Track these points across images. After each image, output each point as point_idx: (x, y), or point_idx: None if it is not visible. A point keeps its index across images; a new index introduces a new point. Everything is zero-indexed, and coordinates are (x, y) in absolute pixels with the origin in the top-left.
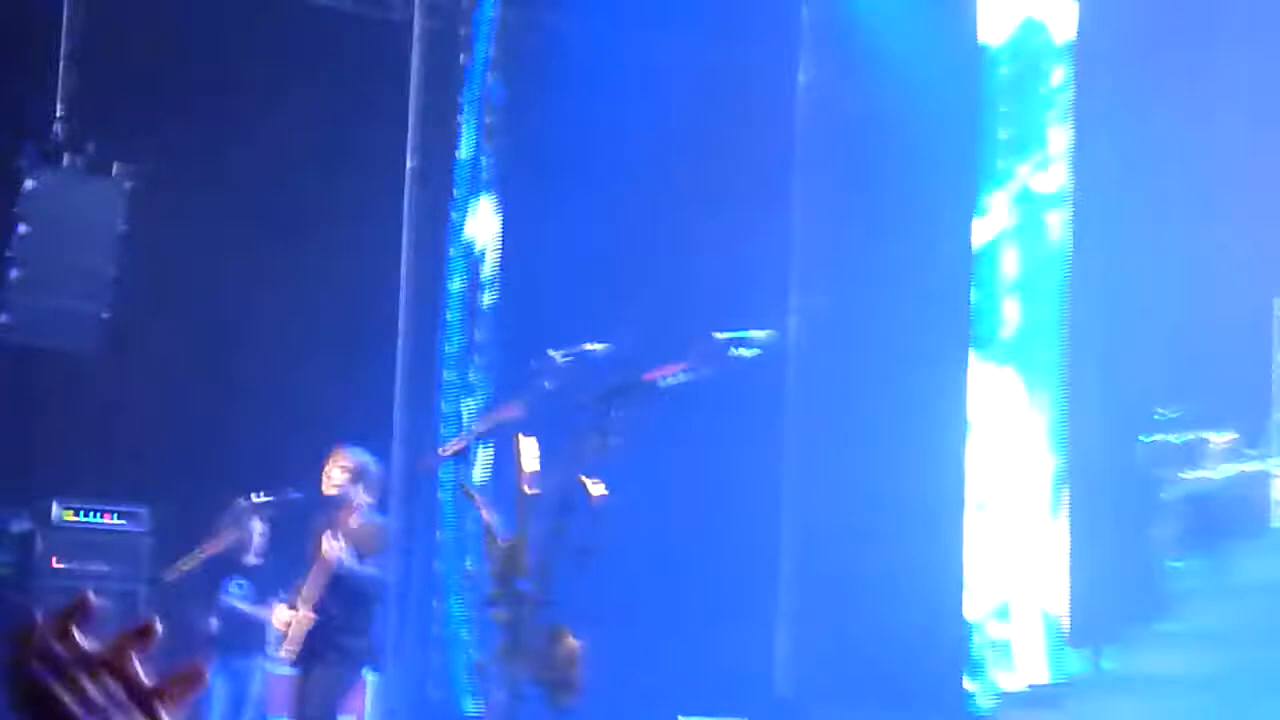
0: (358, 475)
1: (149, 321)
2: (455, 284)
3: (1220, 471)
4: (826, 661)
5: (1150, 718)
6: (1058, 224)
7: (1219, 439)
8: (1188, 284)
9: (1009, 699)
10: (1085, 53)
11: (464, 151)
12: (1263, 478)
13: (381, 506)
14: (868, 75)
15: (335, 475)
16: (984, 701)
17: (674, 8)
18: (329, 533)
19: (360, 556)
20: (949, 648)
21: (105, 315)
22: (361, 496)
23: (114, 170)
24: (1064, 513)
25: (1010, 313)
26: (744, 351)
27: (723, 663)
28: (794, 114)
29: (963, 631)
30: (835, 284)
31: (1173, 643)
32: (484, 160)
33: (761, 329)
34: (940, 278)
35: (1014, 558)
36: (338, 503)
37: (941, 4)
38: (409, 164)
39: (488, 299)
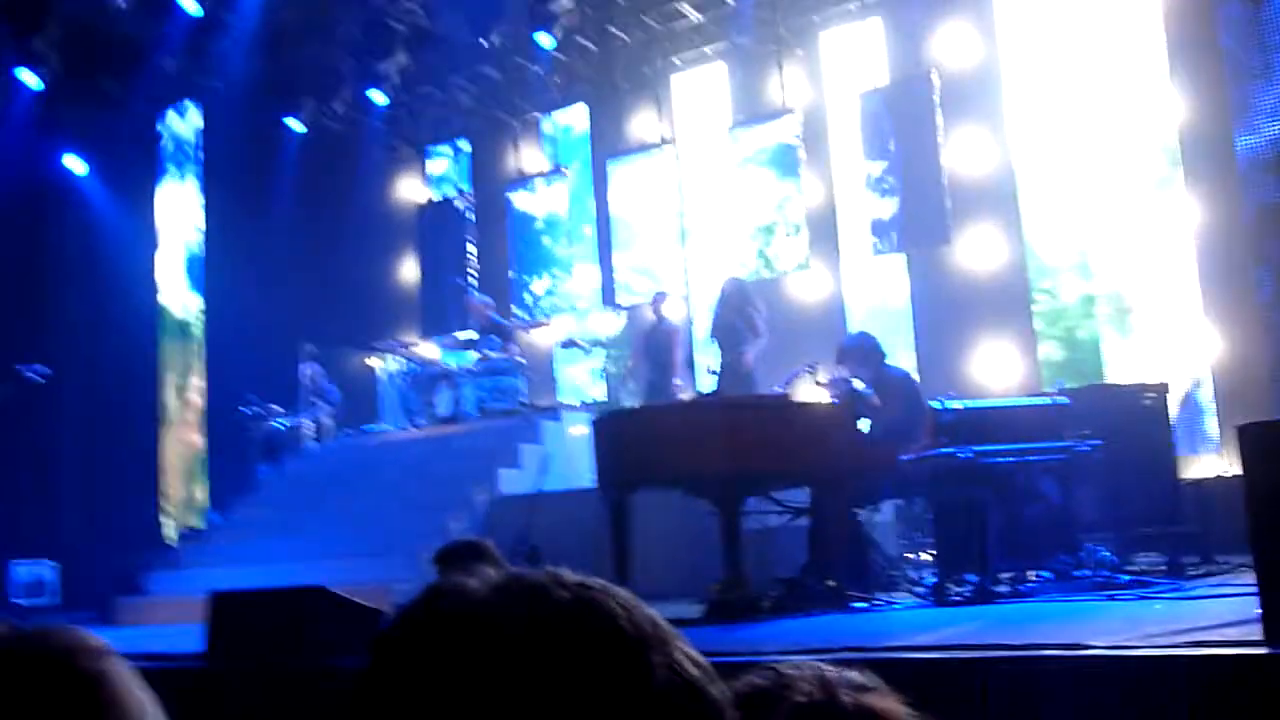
0: None
1: None
2: None
3: (277, 422)
4: (86, 520)
5: (251, 538)
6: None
7: (276, 408)
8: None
9: (184, 536)
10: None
11: None
12: (297, 426)
13: None
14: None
15: None
16: (169, 536)
17: None
18: None
19: None
20: (152, 513)
21: None
22: None
23: None
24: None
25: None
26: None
27: (41, 526)
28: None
29: (154, 501)
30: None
31: (259, 506)
32: None
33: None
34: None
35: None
36: None
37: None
38: None
39: None
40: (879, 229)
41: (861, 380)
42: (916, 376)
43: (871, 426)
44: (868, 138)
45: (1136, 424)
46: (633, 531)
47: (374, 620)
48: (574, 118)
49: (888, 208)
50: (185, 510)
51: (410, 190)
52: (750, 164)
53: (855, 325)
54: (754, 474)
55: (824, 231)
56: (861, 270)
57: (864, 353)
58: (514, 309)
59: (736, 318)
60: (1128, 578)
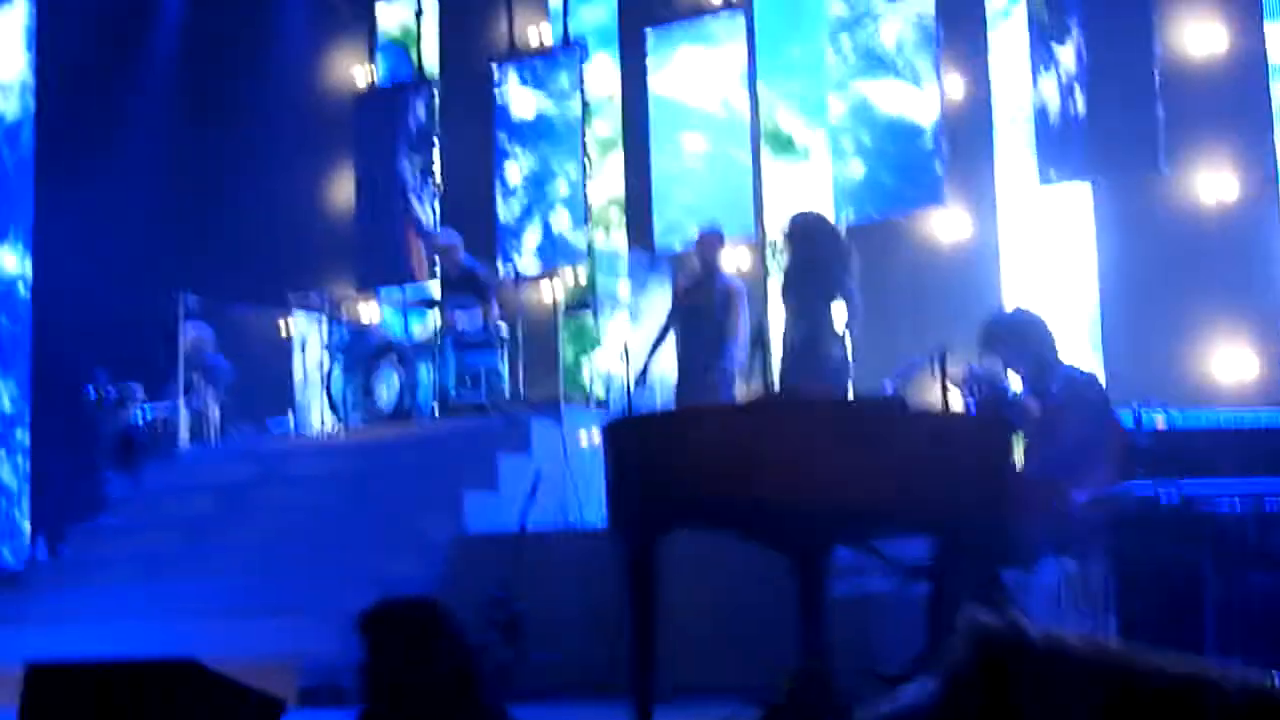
0: None
1: None
2: None
3: (138, 410)
4: None
5: (94, 583)
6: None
7: (136, 390)
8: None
9: None
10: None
11: None
12: (168, 418)
13: None
14: None
15: None
16: None
17: None
18: None
19: None
20: None
21: None
22: None
23: None
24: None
25: None
26: None
27: None
28: None
29: None
30: None
31: (107, 535)
32: None
33: None
34: None
35: None
36: None
37: None
38: None
39: None
40: (1051, 145)
41: (1018, 377)
42: (1101, 375)
43: (1028, 448)
44: (1041, 6)
45: None
46: (662, 595)
47: (269, 714)
48: None
49: (1067, 114)
50: None
51: (348, 71)
52: (859, 43)
53: (1012, 294)
54: (848, 512)
55: (970, 149)
56: (1023, 209)
57: (1023, 337)
58: (499, 253)
59: (816, 272)
60: None
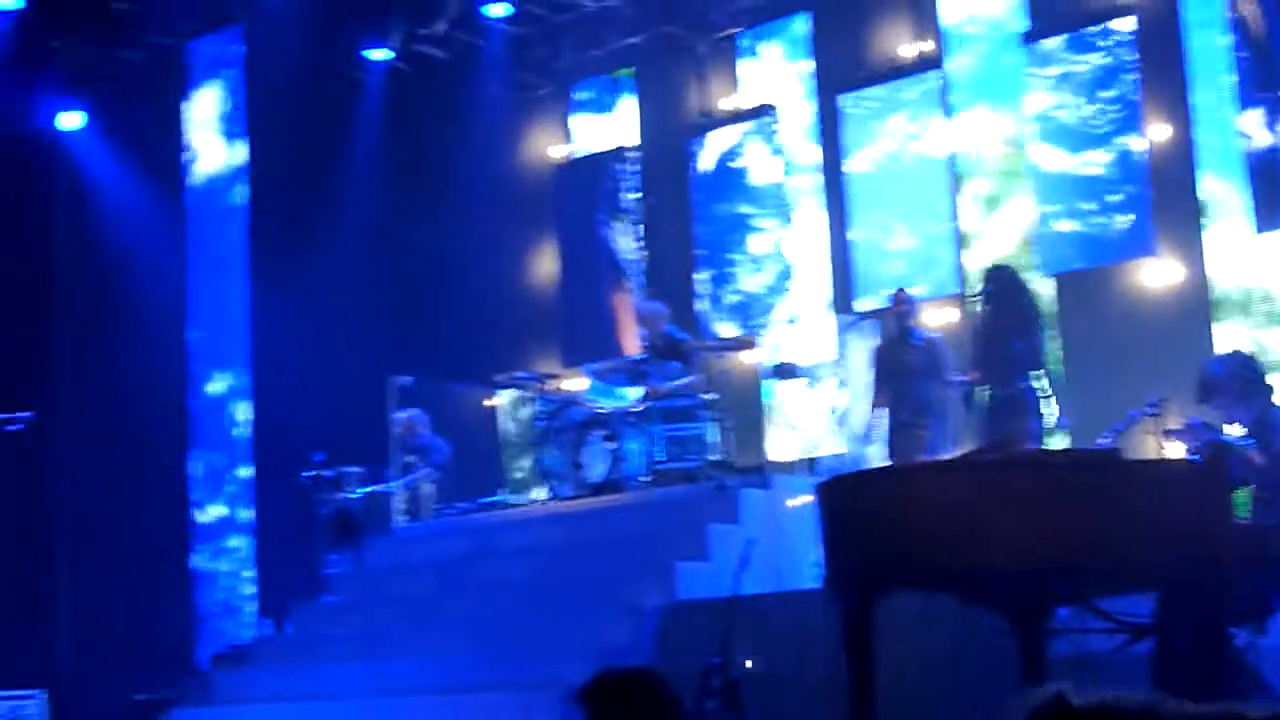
0: None
1: None
2: None
3: (355, 491)
4: (89, 634)
5: (318, 660)
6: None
7: (353, 471)
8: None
9: (221, 657)
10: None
11: None
12: (385, 497)
13: None
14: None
15: None
16: (208, 660)
17: None
18: None
19: None
20: (179, 625)
21: None
22: None
23: None
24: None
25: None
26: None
27: (25, 641)
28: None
29: (188, 613)
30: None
31: (328, 613)
32: None
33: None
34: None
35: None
36: None
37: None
38: None
39: None
40: (1266, 191)
41: (1239, 425)
42: None
43: (1255, 499)
44: (1250, 50)
45: None
46: (880, 656)
47: None
48: (789, 33)
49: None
50: (223, 617)
51: (548, 146)
52: (1057, 94)
53: (1227, 342)
54: (1068, 571)
55: (1176, 197)
56: (1238, 257)
57: (1242, 384)
58: (700, 320)
59: (1011, 324)
60: None
